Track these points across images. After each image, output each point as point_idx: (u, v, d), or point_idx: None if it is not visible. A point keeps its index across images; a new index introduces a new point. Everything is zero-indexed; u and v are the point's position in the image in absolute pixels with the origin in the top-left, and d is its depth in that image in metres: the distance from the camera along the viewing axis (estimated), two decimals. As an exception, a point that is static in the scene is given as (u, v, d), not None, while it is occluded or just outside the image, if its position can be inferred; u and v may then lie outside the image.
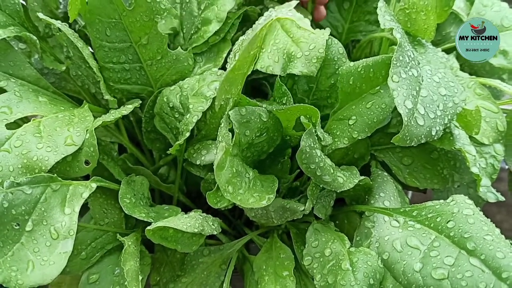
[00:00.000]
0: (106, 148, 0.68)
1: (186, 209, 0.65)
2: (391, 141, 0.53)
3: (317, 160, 0.53)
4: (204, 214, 0.60)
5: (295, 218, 0.60)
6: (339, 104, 0.60)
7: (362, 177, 0.58)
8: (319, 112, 0.54)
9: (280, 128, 0.59)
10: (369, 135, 0.57)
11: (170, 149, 0.64)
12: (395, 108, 0.57)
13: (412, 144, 0.53)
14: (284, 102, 0.61)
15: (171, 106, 0.67)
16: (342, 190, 0.56)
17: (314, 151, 0.52)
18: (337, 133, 0.59)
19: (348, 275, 0.52)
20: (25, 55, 0.72)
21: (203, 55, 0.74)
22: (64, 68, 0.69)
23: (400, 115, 0.64)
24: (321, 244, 0.58)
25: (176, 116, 0.67)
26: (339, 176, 0.55)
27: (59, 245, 0.50)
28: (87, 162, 0.56)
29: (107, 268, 0.59)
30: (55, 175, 0.53)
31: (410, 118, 0.51)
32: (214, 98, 0.63)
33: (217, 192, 0.56)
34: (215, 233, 0.58)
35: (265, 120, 0.57)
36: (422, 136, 0.53)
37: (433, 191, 0.69)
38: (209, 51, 0.74)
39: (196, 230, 0.55)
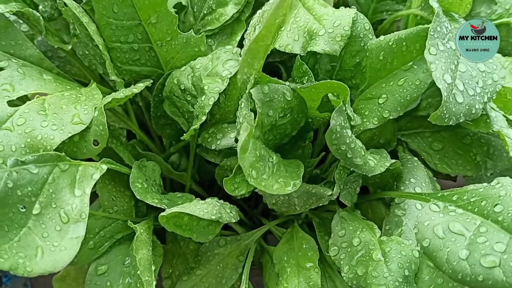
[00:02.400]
0: (115, 132, 0.64)
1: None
2: (428, 120, 0.48)
3: (348, 141, 0.49)
4: (221, 201, 0.56)
5: (320, 204, 0.55)
6: (367, 82, 0.55)
7: (393, 161, 0.54)
8: (348, 89, 0.50)
9: (305, 109, 0.55)
10: (401, 114, 0.53)
11: (184, 134, 0.60)
12: (427, 88, 0.53)
13: (450, 123, 0.49)
14: (304, 82, 0.57)
15: (182, 88, 0.63)
16: (373, 174, 0.51)
17: (344, 131, 0.48)
18: (366, 113, 0.55)
19: (380, 266, 0.48)
20: (27, 37, 0.68)
21: (215, 37, 0.69)
22: (69, 47, 0.65)
23: (431, 96, 0.61)
24: (348, 233, 0.53)
25: (188, 99, 0.63)
26: (369, 159, 0.51)
27: (70, 229, 0.45)
28: (95, 143, 0.51)
29: (116, 258, 0.55)
30: (63, 154, 0.48)
31: (449, 94, 0.47)
32: (230, 78, 0.59)
33: (235, 178, 0.51)
34: (233, 221, 0.54)
35: (289, 99, 0.52)
36: (461, 115, 0.49)
37: (465, 179, 0.65)
38: (222, 32, 0.69)
39: (213, 217, 0.51)
